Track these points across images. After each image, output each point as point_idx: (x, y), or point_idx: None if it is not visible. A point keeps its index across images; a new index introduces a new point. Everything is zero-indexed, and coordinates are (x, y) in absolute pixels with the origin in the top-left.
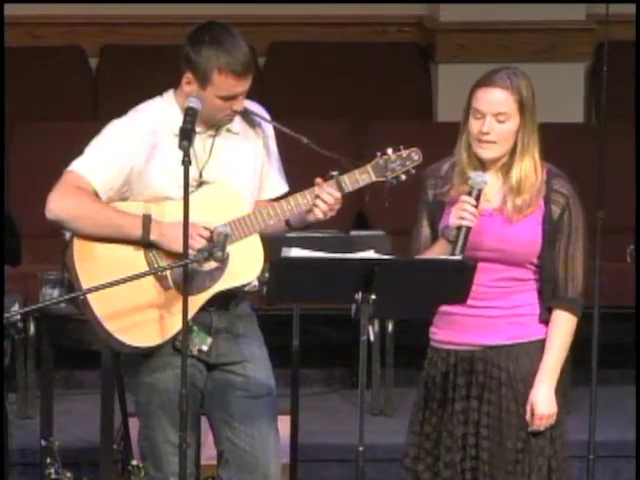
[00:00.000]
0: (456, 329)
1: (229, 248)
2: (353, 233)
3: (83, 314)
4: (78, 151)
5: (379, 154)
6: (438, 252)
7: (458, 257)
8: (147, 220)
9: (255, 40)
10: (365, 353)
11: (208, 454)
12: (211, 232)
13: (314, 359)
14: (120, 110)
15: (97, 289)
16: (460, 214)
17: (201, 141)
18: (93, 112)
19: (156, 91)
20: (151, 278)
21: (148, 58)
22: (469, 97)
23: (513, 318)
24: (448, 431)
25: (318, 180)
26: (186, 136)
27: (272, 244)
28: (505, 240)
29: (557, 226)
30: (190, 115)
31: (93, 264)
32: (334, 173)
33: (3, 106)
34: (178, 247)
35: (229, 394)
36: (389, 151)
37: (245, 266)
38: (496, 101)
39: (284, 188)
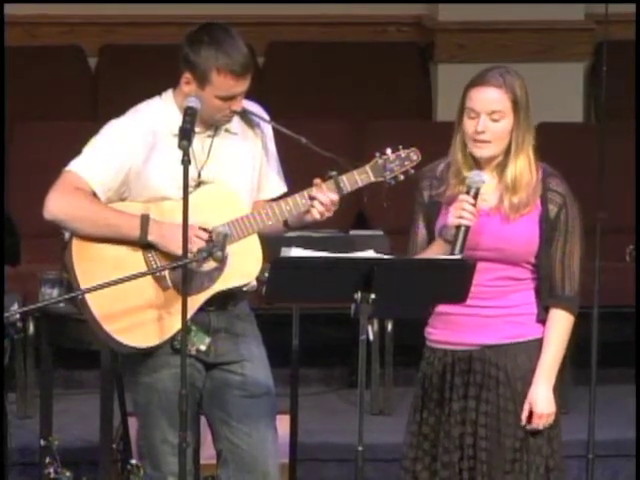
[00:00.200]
0: (453, 329)
1: (228, 248)
2: (352, 233)
3: (82, 314)
4: (77, 151)
5: (378, 154)
6: (436, 252)
7: (458, 256)
8: (145, 220)
9: (254, 40)
10: (364, 352)
11: (207, 453)
12: (210, 233)
13: (313, 358)
14: (119, 110)
15: (95, 289)
16: (459, 213)
17: (200, 141)
18: (92, 112)
19: (156, 91)
20: (150, 278)
21: (147, 58)
22: (463, 97)
23: (511, 317)
24: (445, 431)
25: (317, 181)
26: (185, 136)
27: (271, 244)
28: (503, 239)
29: (554, 225)
30: (189, 115)
31: (92, 264)
32: (333, 173)
33: (3, 106)
34: (176, 249)
35: (227, 393)
36: (388, 151)
37: (244, 266)
38: (490, 100)
39: (283, 188)
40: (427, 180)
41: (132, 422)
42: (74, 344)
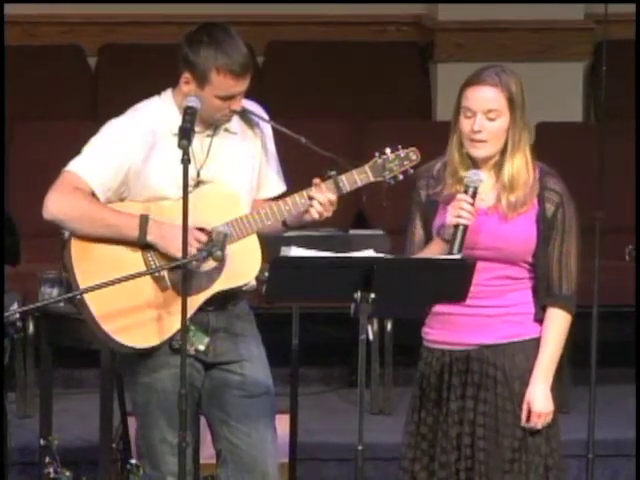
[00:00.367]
0: (450, 329)
1: (227, 248)
2: (352, 232)
3: (81, 313)
4: (77, 151)
5: (377, 154)
6: (434, 251)
7: (457, 255)
8: (144, 221)
9: (254, 39)
10: (364, 352)
11: (207, 453)
12: (209, 234)
13: (313, 358)
14: (119, 109)
15: (94, 289)
16: (457, 212)
17: (199, 141)
18: (92, 111)
19: (155, 90)
20: (148, 278)
21: (147, 57)
22: (458, 96)
23: (508, 317)
24: (443, 431)
25: (316, 180)
26: (185, 135)
27: (271, 243)
28: (501, 238)
29: (551, 224)
30: (189, 114)
31: (91, 264)
32: (332, 173)
33: (3, 106)
34: (175, 250)
35: (226, 393)
36: (387, 151)
37: (243, 266)
38: (486, 98)
39: (282, 188)
40: (424, 179)
41: (132, 422)
42: (74, 343)
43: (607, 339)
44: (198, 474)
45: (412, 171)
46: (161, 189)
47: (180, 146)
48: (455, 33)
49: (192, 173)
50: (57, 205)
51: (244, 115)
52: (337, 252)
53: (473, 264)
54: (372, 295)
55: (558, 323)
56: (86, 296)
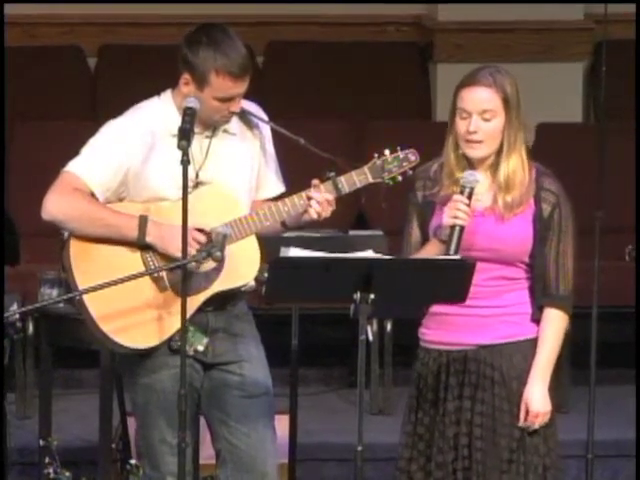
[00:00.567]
0: (447, 329)
1: (226, 249)
2: (352, 233)
3: (81, 313)
4: (77, 150)
5: (376, 155)
6: (430, 252)
7: (457, 256)
8: (143, 221)
9: (253, 39)
10: (364, 352)
11: (207, 453)
12: (208, 235)
13: (313, 358)
14: (119, 110)
15: (94, 289)
16: (453, 213)
17: (198, 142)
18: (92, 112)
19: (155, 91)
20: (147, 279)
21: (147, 58)
22: (454, 98)
23: (505, 317)
24: (440, 431)
25: (315, 181)
26: (185, 136)
27: (271, 244)
28: (497, 239)
29: (547, 224)
30: (189, 115)
31: (90, 264)
32: (331, 174)
33: (3, 106)
34: (175, 250)
35: (226, 394)
36: (386, 152)
37: (242, 267)
38: (481, 99)
39: (281, 188)
40: (421, 180)
41: (131, 422)
42: (73, 344)
43: (607, 339)
44: (198, 474)
45: (411, 172)
46: (160, 190)
47: (179, 147)
48: (455, 33)
49: (191, 174)
50: (56, 205)
51: (243, 116)
52: (337, 253)
53: (473, 265)
54: (372, 296)
55: (555, 323)
56: (85, 297)
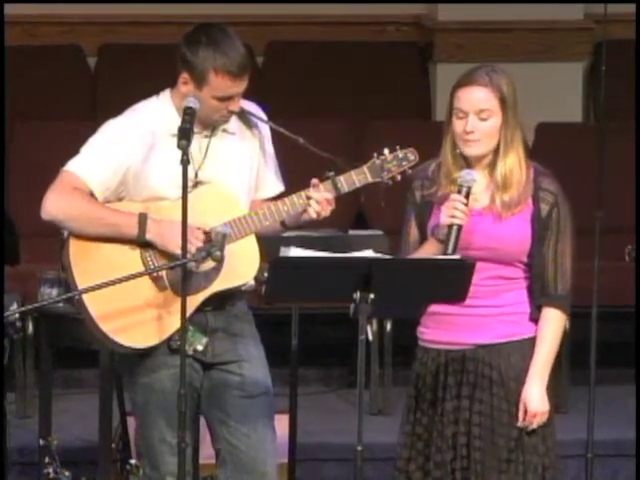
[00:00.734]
0: (446, 328)
1: (225, 249)
2: (351, 233)
3: (80, 313)
4: (77, 150)
5: (375, 155)
6: (428, 251)
7: (457, 256)
8: (143, 219)
9: (253, 39)
10: (363, 352)
11: (207, 453)
12: (208, 233)
13: (313, 358)
14: (119, 109)
15: (93, 289)
16: (451, 212)
17: (197, 141)
18: (92, 111)
19: (155, 90)
20: (147, 278)
21: (147, 57)
22: (450, 98)
23: (504, 317)
24: (438, 431)
25: (314, 181)
26: (185, 135)
27: (270, 244)
28: (495, 238)
29: (546, 224)
30: (189, 114)
31: (89, 264)
32: (330, 174)
33: (3, 106)
34: (174, 248)
35: (225, 393)
36: (385, 151)
37: (241, 266)
38: (477, 99)
39: (280, 188)
40: (419, 180)
41: (131, 422)
42: (73, 344)
43: (606, 339)
44: (198, 474)
45: (410, 172)
46: (160, 189)
47: (179, 146)
48: (455, 33)
49: (190, 174)
50: (56, 205)
51: (242, 116)
52: (336, 252)
53: (473, 264)
54: (371, 295)
55: (553, 323)
56: (85, 296)
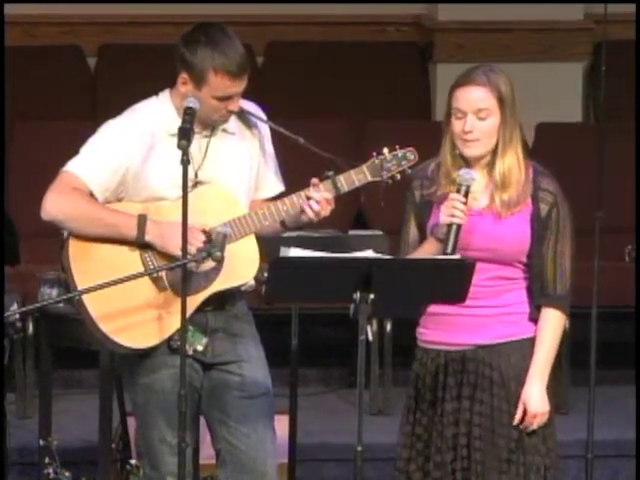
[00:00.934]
0: (446, 329)
1: (225, 249)
2: (351, 233)
3: (80, 313)
4: (76, 151)
5: (375, 154)
6: (428, 251)
7: (457, 256)
8: (142, 220)
9: (253, 39)
10: (363, 353)
11: (207, 453)
12: (208, 234)
13: (313, 359)
14: (119, 109)
15: (93, 289)
16: (450, 212)
17: (197, 141)
18: (92, 111)
19: (155, 90)
20: (147, 279)
21: (147, 57)
22: (449, 98)
23: (504, 317)
24: (438, 431)
25: (314, 180)
26: (185, 135)
27: (270, 244)
28: (495, 239)
29: (545, 224)
30: (189, 115)
31: (89, 264)
32: (330, 173)
33: (3, 106)
34: (174, 249)
35: (225, 394)
36: (385, 151)
37: (241, 266)
38: (475, 98)
39: (280, 188)
40: (418, 180)
41: (131, 422)
42: (73, 344)
43: (606, 340)
44: (198, 474)
45: (410, 171)
46: (160, 190)
47: (179, 146)
48: (455, 33)
49: (190, 174)
50: (55, 205)
51: (242, 115)
52: (336, 253)
53: (473, 265)
54: (371, 296)
55: (553, 323)
56: (84, 297)
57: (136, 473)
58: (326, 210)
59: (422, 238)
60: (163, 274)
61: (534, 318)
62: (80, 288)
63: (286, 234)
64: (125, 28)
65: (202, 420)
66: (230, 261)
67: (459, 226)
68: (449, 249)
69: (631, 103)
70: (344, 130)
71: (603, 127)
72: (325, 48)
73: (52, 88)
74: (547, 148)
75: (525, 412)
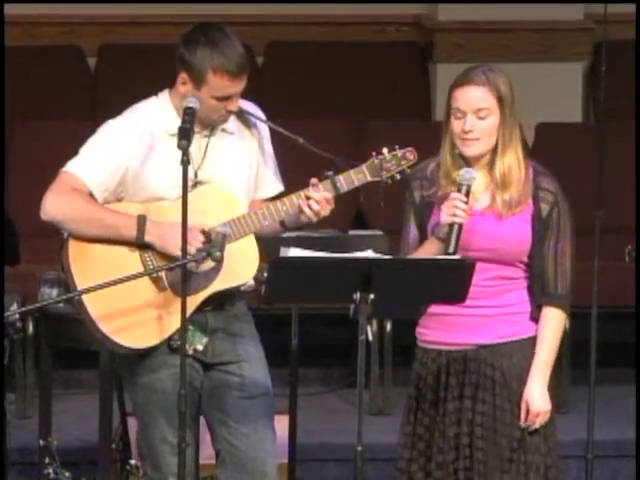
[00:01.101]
0: (447, 329)
1: (225, 249)
2: (351, 233)
3: (80, 314)
4: (76, 151)
5: (374, 154)
6: (429, 251)
7: (457, 256)
8: (142, 221)
9: (253, 39)
10: (363, 353)
11: (207, 453)
12: (208, 234)
13: (312, 359)
14: (119, 110)
15: (93, 289)
16: (452, 211)
17: (196, 141)
18: (92, 111)
19: (155, 90)
20: (146, 279)
21: (146, 57)
22: (448, 98)
23: (505, 317)
24: (440, 431)
25: (313, 180)
26: (185, 135)
27: (270, 244)
28: (497, 239)
29: (546, 223)
30: (189, 115)
31: (88, 264)
32: (329, 173)
33: (3, 106)
34: (174, 249)
35: (225, 394)
36: (384, 151)
37: (241, 266)
38: (475, 98)
39: (279, 188)
40: (417, 181)
41: (131, 422)
42: (73, 344)
43: (606, 340)
44: (198, 474)
45: (409, 171)
46: (159, 190)
47: (179, 146)
48: (455, 33)
49: (190, 174)
50: (55, 206)
51: (241, 115)
52: (336, 252)
53: (473, 265)
54: (371, 296)
55: (554, 322)
56: (84, 297)
57: (136, 473)
58: (326, 210)
59: (422, 239)
60: (163, 274)
61: (535, 317)
62: (80, 288)
63: (286, 234)
64: (125, 28)
65: (202, 420)
66: (230, 261)
67: (461, 226)
68: (451, 249)
69: (631, 103)
70: (344, 130)
71: (603, 127)
72: (325, 48)
73: (52, 88)
74: (547, 148)
75: (527, 411)
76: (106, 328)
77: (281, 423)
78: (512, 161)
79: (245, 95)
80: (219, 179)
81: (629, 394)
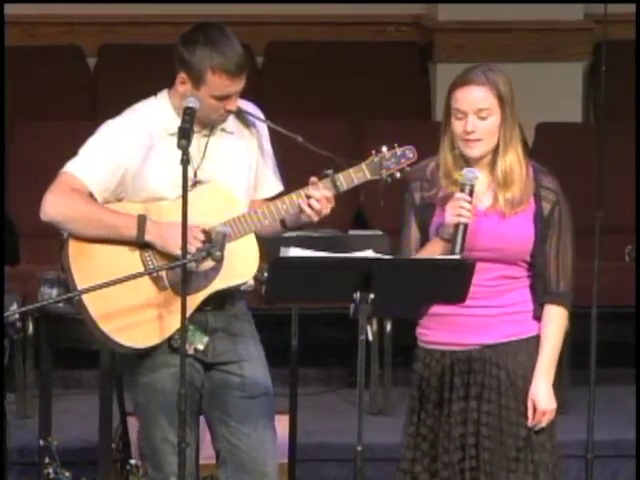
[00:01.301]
0: (450, 329)
1: (225, 248)
2: (351, 233)
3: (80, 313)
4: (76, 150)
5: (374, 152)
6: (433, 251)
7: (457, 256)
8: (142, 221)
9: (253, 39)
10: (364, 353)
11: (207, 453)
12: (208, 233)
13: (313, 359)
14: (119, 109)
15: (93, 289)
16: (457, 211)
17: (195, 141)
18: (92, 111)
19: (155, 90)
20: (147, 279)
21: (147, 57)
22: (447, 99)
23: (508, 316)
24: (445, 432)
25: (313, 179)
26: (185, 135)
27: (271, 244)
28: (500, 239)
29: (548, 222)
30: (189, 114)
31: (88, 264)
32: (329, 172)
33: (3, 106)
34: (174, 249)
35: (226, 394)
36: (384, 149)
37: (241, 266)
38: (475, 98)
39: (279, 187)
40: (417, 182)
41: (131, 422)
42: (73, 344)
43: (606, 340)
44: (198, 474)
45: (409, 169)
46: (159, 190)
47: (179, 146)
48: (455, 33)
49: (189, 173)
50: (54, 206)
51: (240, 115)
52: (336, 252)
53: (473, 265)
54: (371, 295)
55: (557, 320)
56: (84, 297)
57: (136, 473)
58: (327, 208)
59: (424, 240)
60: (163, 274)
61: (538, 316)
62: (80, 288)
63: (286, 234)
64: (125, 28)
65: (202, 420)
66: (230, 260)
67: (466, 226)
68: (457, 249)
69: (631, 103)
70: (344, 130)
71: (603, 127)
72: (325, 48)
73: (52, 88)
74: (547, 148)
75: (534, 410)
76: (106, 328)
77: (281, 423)
78: (513, 160)
79: (245, 95)
80: (219, 178)
81: (629, 394)
